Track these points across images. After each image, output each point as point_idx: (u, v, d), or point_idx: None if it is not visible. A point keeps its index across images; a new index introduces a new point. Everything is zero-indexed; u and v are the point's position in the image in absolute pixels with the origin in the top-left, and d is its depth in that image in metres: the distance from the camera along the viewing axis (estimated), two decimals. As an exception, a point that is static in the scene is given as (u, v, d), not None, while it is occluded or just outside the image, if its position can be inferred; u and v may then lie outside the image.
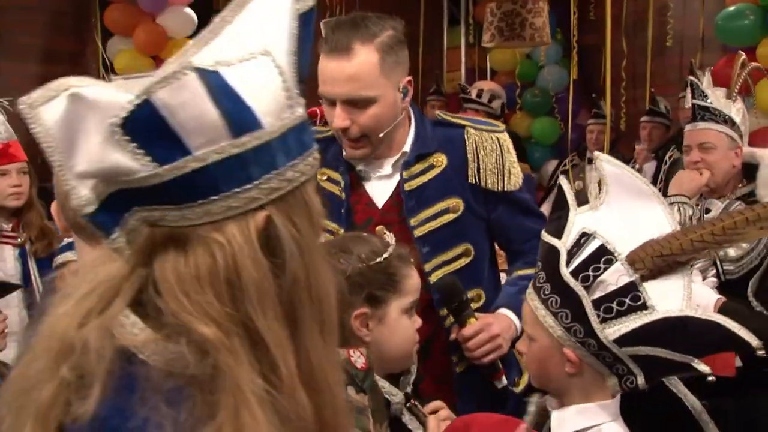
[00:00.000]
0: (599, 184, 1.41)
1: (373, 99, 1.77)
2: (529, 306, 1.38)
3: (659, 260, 1.29)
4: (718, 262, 2.47)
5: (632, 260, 1.30)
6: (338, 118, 1.77)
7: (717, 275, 2.51)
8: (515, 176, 1.95)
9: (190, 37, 5.79)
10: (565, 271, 1.31)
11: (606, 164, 1.42)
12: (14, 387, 0.78)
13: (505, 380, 1.85)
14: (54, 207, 1.36)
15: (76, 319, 0.76)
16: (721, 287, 2.47)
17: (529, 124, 6.95)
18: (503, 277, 2.15)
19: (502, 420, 1.51)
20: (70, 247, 2.42)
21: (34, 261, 2.92)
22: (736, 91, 2.82)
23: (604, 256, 1.31)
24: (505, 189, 1.94)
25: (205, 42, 0.75)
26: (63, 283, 2.59)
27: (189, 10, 5.73)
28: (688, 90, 2.86)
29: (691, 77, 2.86)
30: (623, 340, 1.29)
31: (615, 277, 1.30)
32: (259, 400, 0.73)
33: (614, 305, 1.29)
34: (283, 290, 0.78)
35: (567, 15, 5.85)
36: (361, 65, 1.74)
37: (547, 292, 1.34)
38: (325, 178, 1.90)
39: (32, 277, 2.91)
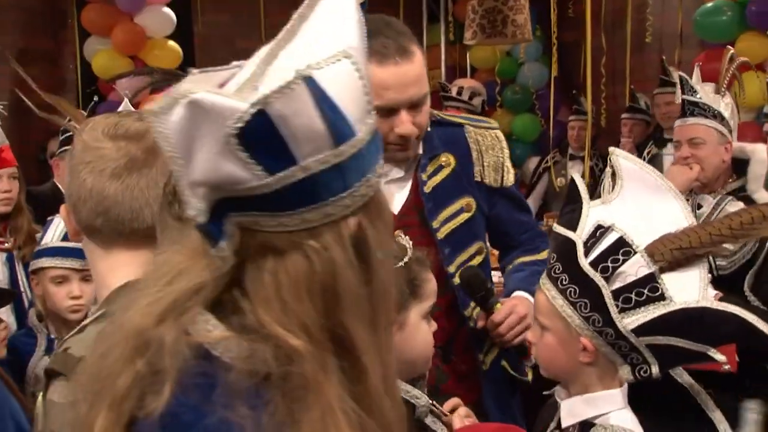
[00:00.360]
0: (613, 178, 1.43)
1: (427, 95, 1.78)
2: (546, 296, 1.40)
3: (678, 253, 1.33)
4: (711, 258, 2.49)
5: (651, 252, 1.34)
6: (407, 124, 1.74)
7: (710, 270, 2.53)
8: (511, 172, 1.99)
9: (169, 37, 5.74)
10: (584, 263, 1.34)
11: (622, 160, 1.44)
12: (90, 373, 0.79)
13: (534, 359, 1.88)
14: (63, 209, 1.33)
15: (152, 317, 0.76)
16: (714, 282, 2.49)
17: (510, 121, 6.97)
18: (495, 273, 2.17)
19: (500, 428, 1.53)
20: (45, 253, 2.40)
21: (22, 266, 2.87)
22: (724, 86, 2.84)
23: (622, 248, 1.34)
24: (504, 185, 1.97)
25: (286, 41, 0.74)
26: (39, 290, 2.52)
27: (167, 10, 5.68)
28: (678, 85, 2.89)
29: (680, 73, 2.89)
30: (641, 330, 1.32)
31: (634, 268, 1.33)
32: (348, 419, 0.73)
33: (633, 296, 1.33)
34: (371, 295, 0.78)
35: (546, 12, 5.87)
36: (420, 64, 1.74)
37: (565, 282, 1.36)
38: None
39: (20, 282, 2.86)
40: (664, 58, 5.23)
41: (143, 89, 3.10)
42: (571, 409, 1.42)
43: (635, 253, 1.34)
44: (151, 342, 0.75)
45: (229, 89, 0.73)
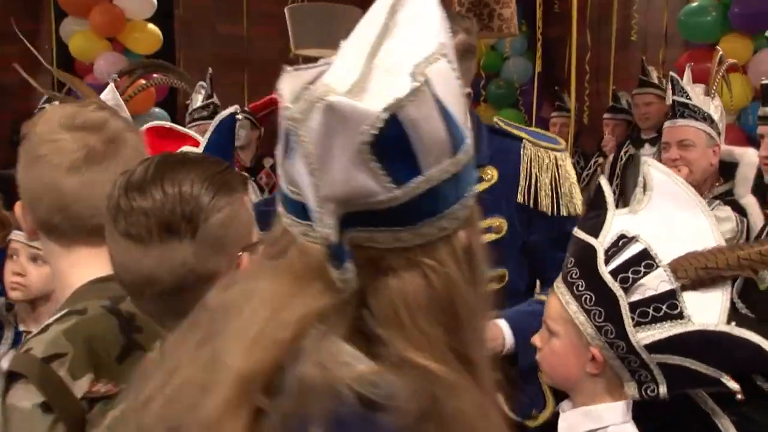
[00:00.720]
0: (644, 188, 1.39)
1: None
2: (559, 301, 1.35)
3: (702, 272, 1.28)
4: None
5: (674, 268, 1.29)
6: None
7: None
8: (570, 203, 1.81)
9: (149, 19, 5.62)
10: (604, 270, 1.29)
11: (653, 170, 1.40)
12: (170, 417, 0.69)
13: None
14: (18, 207, 1.24)
15: (270, 352, 0.67)
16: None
17: (494, 115, 6.92)
18: None
19: None
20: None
21: (-9, 253, 2.78)
22: (714, 87, 2.83)
23: (645, 260, 1.29)
24: (558, 214, 1.80)
25: (383, 38, 0.69)
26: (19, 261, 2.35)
27: (148, -8, 5.56)
28: (668, 86, 2.87)
29: (671, 73, 2.86)
30: (655, 347, 1.27)
31: (655, 282, 1.28)
32: None
33: (650, 310, 1.28)
34: (481, 312, 0.74)
35: (532, 7, 5.84)
36: None
37: (581, 289, 1.32)
38: None
39: (-10, 270, 2.77)
40: (644, 58, 5.23)
41: (133, 78, 3.01)
42: (570, 422, 1.38)
43: (658, 266, 1.29)
44: (281, 381, 0.66)
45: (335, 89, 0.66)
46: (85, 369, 1.10)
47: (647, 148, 4.87)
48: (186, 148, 1.63)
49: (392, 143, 0.65)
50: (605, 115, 5.56)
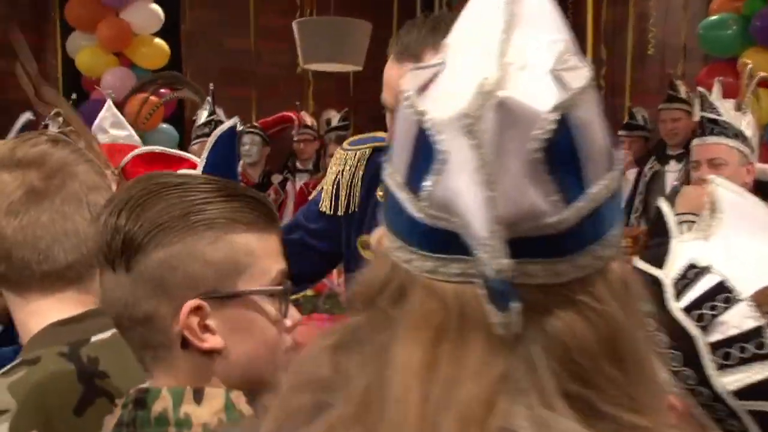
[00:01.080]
0: (712, 210, 1.23)
1: None
2: None
3: None
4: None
5: (759, 302, 1.14)
6: (390, 131, 1.60)
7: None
8: None
9: (156, 34, 5.55)
10: (676, 307, 1.13)
11: (723, 190, 1.24)
12: None
13: None
14: None
15: None
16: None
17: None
18: None
19: None
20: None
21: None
22: (745, 103, 2.70)
23: (722, 294, 1.13)
24: None
25: (508, 36, 0.56)
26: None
27: (155, 6, 5.49)
28: (696, 102, 2.74)
29: (700, 89, 2.74)
30: (744, 393, 1.12)
31: (738, 319, 1.12)
32: None
33: (735, 351, 1.12)
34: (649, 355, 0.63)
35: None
36: None
37: (650, 329, 1.16)
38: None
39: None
40: (672, 72, 5.11)
41: (151, 91, 2.89)
42: None
43: (739, 301, 1.14)
44: None
45: (457, 91, 0.55)
46: (30, 425, 1.01)
47: (673, 165, 4.76)
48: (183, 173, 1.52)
49: (562, 151, 0.53)
50: (620, 132, 5.44)
